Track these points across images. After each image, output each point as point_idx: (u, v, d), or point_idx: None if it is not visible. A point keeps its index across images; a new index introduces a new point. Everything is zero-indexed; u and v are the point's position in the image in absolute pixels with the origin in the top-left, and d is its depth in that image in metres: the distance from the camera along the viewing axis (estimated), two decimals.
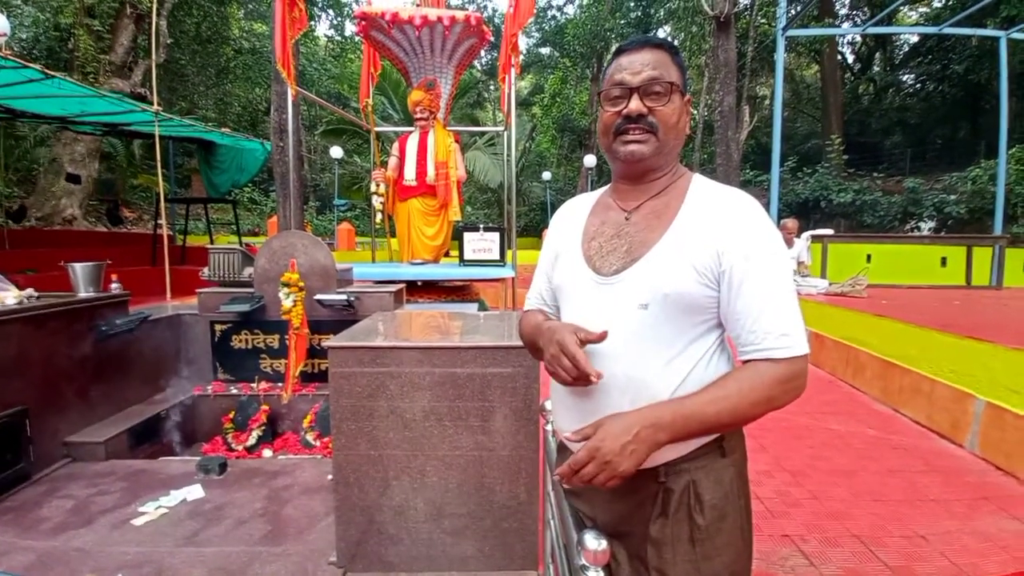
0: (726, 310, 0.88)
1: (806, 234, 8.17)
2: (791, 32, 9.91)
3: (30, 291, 2.67)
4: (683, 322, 0.88)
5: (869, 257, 8.90)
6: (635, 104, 0.92)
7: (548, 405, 1.44)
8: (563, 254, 1.04)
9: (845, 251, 8.84)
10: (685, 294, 0.87)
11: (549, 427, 1.45)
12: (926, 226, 14.75)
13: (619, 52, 0.96)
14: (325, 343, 1.75)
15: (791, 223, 7.61)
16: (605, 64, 1.03)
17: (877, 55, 22.73)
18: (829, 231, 8.89)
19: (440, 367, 1.70)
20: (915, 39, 19.84)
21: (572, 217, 1.08)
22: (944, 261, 8.99)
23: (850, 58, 23.38)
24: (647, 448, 0.81)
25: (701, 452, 0.91)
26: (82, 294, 2.90)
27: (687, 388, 0.88)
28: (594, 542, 0.83)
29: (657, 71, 0.92)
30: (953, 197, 14.18)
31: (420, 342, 1.74)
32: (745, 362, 0.87)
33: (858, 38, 21.26)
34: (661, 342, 0.88)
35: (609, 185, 1.08)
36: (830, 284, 7.68)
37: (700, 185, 0.96)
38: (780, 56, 9.50)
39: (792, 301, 0.86)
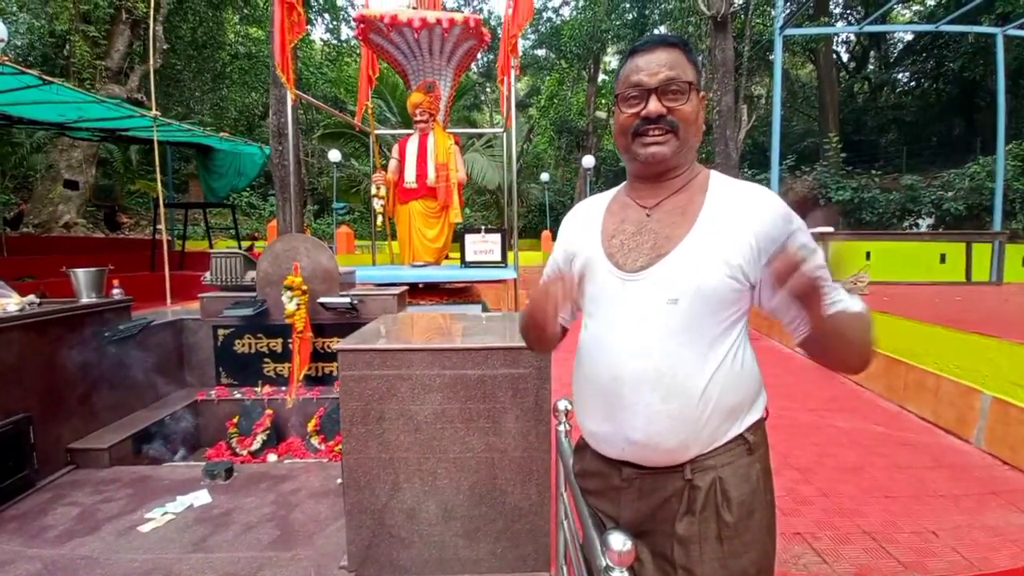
0: (775, 302, 0.90)
1: None
2: (788, 31, 9.90)
3: (31, 297, 2.65)
4: (712, 316, 0.88)
5: (868, 254, 8.89)
6: (654, 105, 0.91)
7: (561, 405, 1.43)
8: (580, 254, 1.03)
9: (844, 249, 8.85)
10: (716, 287, 0.87)
11: (561, 428, 1.43)
12: (924, 223, 14.74)
13: (633, 52, 0.96)
14: (335, 346, 1.73)
15: None
16: (619, 64, 1.02)
17: (872, 53, 22.78)
18: (829, 228, 8.88)
19: (450, 369, 1.68)
20: (909, 37, 19.86)
21: (586, 218, 1.08)
22: (943, 258, 8.98)
23: (844, 57, 23.44)
24: None
25: (727, 448, 0.91)
26: (84, 300, 2.89)
27: (717, 382, 0.88)
28: (619, 542, 0.82)
29: (674, 71, 0.91)
30: (951, 194, 14.18)
31: (429, 344, 1.73)
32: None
33: (852, 37, 21.30)
34: (692, 337, 0.88)
35: (623, 184, 1.08)
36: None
37: (719, 181, 0.97)
38: (779, 56, 9.48)
39: None
